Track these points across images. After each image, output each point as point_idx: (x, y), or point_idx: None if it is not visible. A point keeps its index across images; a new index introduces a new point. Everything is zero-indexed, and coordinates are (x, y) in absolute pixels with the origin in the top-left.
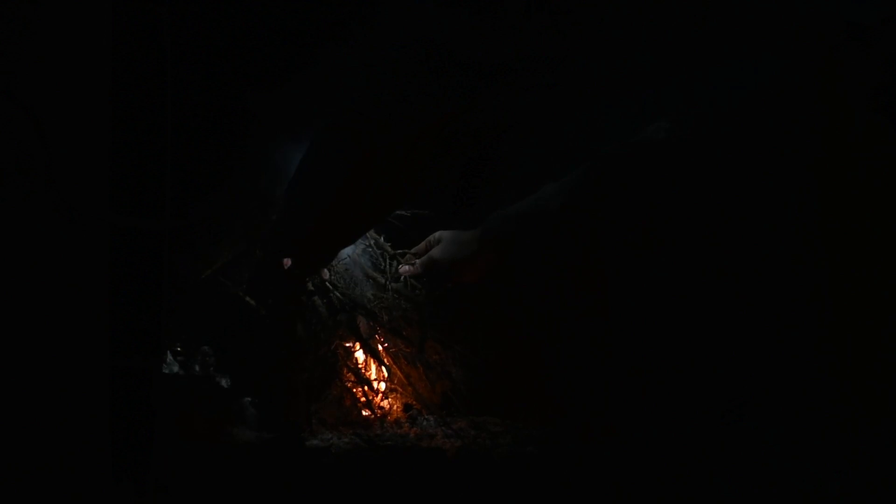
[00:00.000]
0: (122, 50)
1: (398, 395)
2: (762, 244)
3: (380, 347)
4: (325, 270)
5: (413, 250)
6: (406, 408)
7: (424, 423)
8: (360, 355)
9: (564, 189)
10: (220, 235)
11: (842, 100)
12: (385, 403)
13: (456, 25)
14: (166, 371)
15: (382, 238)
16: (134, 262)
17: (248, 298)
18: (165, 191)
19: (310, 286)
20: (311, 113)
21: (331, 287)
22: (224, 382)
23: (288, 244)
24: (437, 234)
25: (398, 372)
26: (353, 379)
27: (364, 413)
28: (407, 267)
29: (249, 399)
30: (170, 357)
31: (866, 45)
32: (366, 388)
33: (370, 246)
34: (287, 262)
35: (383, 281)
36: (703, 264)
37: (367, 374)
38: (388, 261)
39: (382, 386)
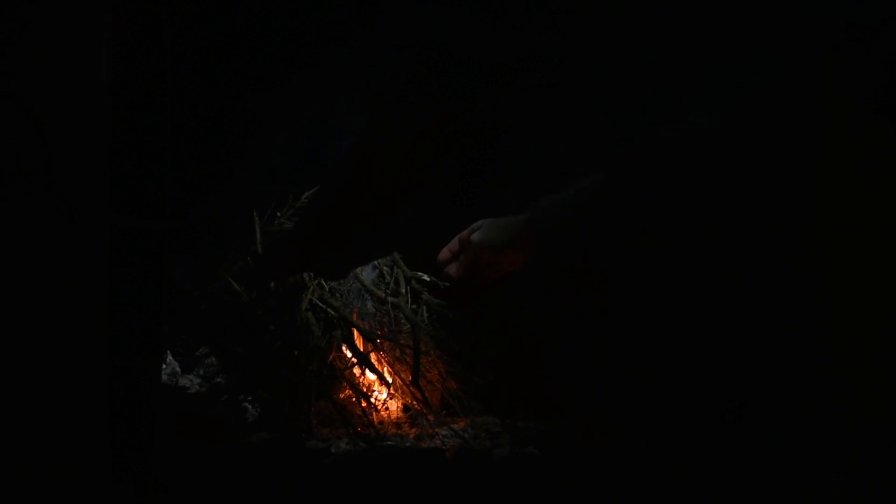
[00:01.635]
0: (122, 50)
1: (398, 396)
2: (762, 244)
3: (376, 359)
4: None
5: (455, 238)
6: (406, 408)
7: (424, 423)
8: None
9: (610, 179)
10: (220, 235)
11: (842, 100)
12: (385, 415)
13: (456, 25)
14: (167, 371)
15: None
16: (134, 262)
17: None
18: (165, 191)
19: (305, 303)
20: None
21: (320, 303)
22: (224, 383)
23: (288, 246)
24: (478, 223)
25: (398, 380)
26: (351, 395)
27: (361, 426)
28: (452, 266)
29: (249, 399)
30: (170, 357)
31: (866, 45)
32: (363, 402)
33: (376, 260)
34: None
35: (383, 296)
36: (703, 264)
37: (365, 387)
38: (392, 276)
39: (383, 395)
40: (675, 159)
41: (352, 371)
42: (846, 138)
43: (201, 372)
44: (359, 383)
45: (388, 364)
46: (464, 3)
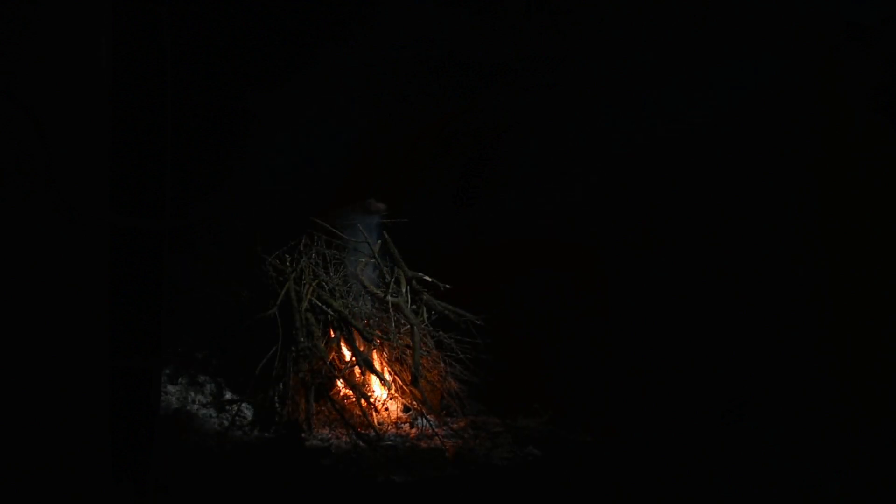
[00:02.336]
0: (122, 50)
1: (398, 397)
2: (762, 244)
3: (377, 358)
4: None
5: None
6: (406, 408)
7: (424, 423)
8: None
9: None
10: (220, 235)
11: (842, 100)
12: (385, 415)
13: (456, 25)
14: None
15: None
16: (134, 262)
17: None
18: (165, 191)
19: (305, 304)
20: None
21: (320, 303)
22: (223, 383)
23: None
24: None
25: (398, 380)
26: (351, 395)
27: (361, 427)
28: None
29: (249, 399)
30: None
31: (866, 45)
32: (363, 402)
33: (376, 260)
34: None
35: (383, 295)
36: (703, 264)
37: (366, 387)
38: (392, 276)
39: (384, 395)
40: (675, 159)
41: (352, 371)
42: (846, 138)
43: (199, 372)
44: (359, 383)
45: (388, 364)
46: (464, 3)
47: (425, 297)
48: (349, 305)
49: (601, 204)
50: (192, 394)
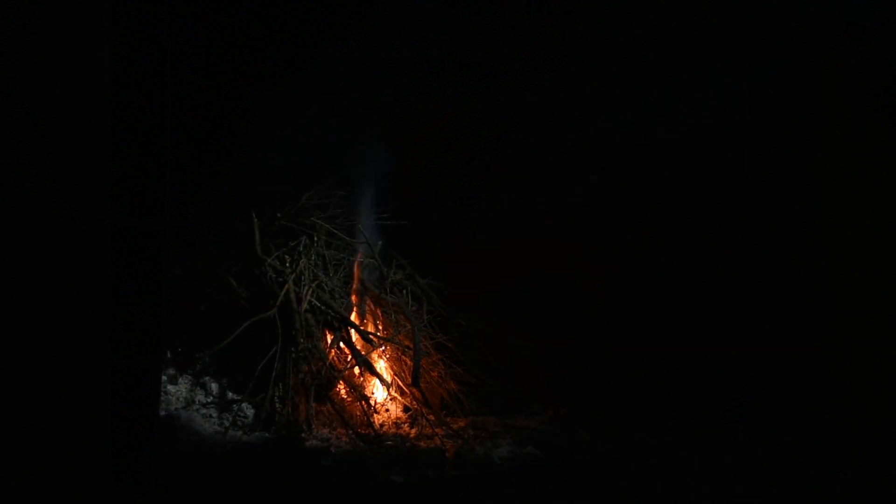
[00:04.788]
0: (122, 50)
1: (398, 397)
2: (762, 244)
3: (378, 358)
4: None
5: None
6: (406, 408)
7: (424, 423)
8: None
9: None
10: (220, 235)
11: (842, 100)
12: (385, 416)
13: (456, 25)
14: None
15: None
16: (134, 262)
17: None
18: (165, 191)
19: (305, 305)
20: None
21: (320, 304)
22: (223, 383)
23: None
24: None
25: (398, 381)
26: (351, 395)
27: (361, 428)
28: None
29: (249, 400)
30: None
31: (866, 45)
32: (363, 403)
33: (376, 261)
34: None
35: (384, 296)
36: (703, 264)
37: (365, 388)
38: (393, 276)
39: (382, 396)
40: (675, 159)
41: (352, 371)
42: (846, 138)
43: (199, 372)
44: (359, 384)
45: (388, 365)
46: (464, 3)
47: (426, 297)
48: (349, 306)
49: (601, 204)
50: (193, 394)
